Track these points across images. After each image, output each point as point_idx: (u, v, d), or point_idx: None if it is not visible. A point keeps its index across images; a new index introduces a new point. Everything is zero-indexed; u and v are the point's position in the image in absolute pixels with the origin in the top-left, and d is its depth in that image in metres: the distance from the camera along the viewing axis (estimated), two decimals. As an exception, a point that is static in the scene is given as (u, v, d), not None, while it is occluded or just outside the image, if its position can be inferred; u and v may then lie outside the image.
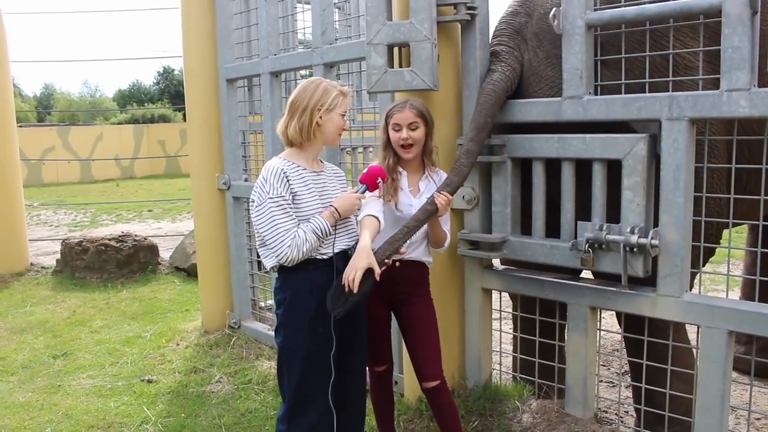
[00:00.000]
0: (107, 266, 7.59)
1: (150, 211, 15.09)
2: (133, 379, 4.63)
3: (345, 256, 2.74)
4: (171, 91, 43.25)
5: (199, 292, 5.65)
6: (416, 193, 3.00)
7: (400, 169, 3.00)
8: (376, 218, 2.77)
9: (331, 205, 2.66)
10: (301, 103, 2.68)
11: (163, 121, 31.45)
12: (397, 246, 2.77)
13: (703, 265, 3.22)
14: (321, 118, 2.68)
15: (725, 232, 3.30)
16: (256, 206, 2.63)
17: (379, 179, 2.75)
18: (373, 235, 2.71)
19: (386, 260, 2.74)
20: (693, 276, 3.06)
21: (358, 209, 2.79)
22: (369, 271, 2.55)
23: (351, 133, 5.00)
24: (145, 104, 40.88)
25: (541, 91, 3.23)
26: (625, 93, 2.96)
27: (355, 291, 2.50)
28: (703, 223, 2.85)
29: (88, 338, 5.60)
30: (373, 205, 2.83)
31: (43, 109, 41.39)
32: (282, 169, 2.63)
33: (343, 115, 2.73)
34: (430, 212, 2.86)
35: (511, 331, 4.37)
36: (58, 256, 7.94)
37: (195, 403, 4.17)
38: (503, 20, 3.44)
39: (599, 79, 3.08)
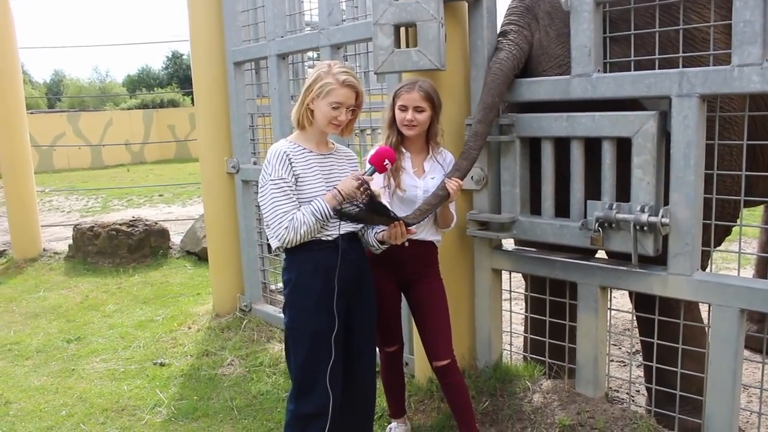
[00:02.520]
0: (119, 251, 7.63)
1: (160, 195, 15.16)
2: (145, 363, 4.67)
3: (351, 237, 2.75)
4: (180, 76, 43.26)
5: (210, 275, 5.67)
6: (421, 174, 2.99)
7: (403, 150, 2.99)
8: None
9: (335, 188, 2.65)
10: (303, 86, 2.70)
11: (172, 106, 31.53)
12: (408, 225, 2.76)
13: (719, 245, 3.19)
14: (312, 103, 2.66)
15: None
16: (260, 188, 2.67)
17: (387, 161, 2.73)
18: None
19: (393, 218, 2.72)
20: (708, 255, 3.04)
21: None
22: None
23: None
24: (155, 89, 40.94)
25: (550, 69, 3.19)
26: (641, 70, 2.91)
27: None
28: (714, 201, 2.81)
29: (101, 322, 5.66)
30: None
31: (53, 96, 41.54)
32: (285, 152, 2.63)
33: (336, 106, 2.63)
34: (442, 197, 2.88)
35: (522, 311, 4.37)
36: (70, 241, 7.99)
37: (207, 386, 4.20)
38: None
39: (608, 57, 3.04)
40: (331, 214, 2.61)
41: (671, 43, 2.92)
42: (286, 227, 2.58)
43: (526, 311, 3.73)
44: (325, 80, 2.62)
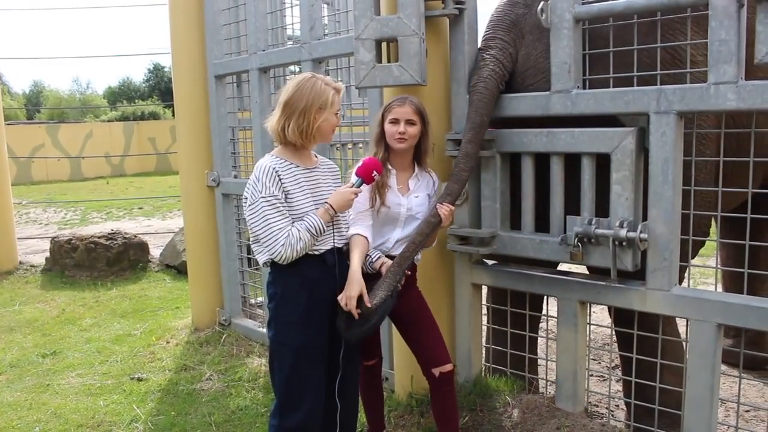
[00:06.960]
0: (97, 264, 7.55)
1: (140, 208, 15.02)
2: (122, 378, 4.60)
3: (338, 252, 2.75)
4: (161, 88, 43.11)
5: (189, 289, 5.63)
6: (405, 192, 2.99)
7: (389, 167, 2.99)
8: (365, 238, 2.82)
9: (327, 202, 2.66)
10: (298, 104, 2.62)
11: (153, 118, 31.37)
12: (406, 266, 2.81)
13: (694, 258, 3.21)
14: (319, 117, 2.64)
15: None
16: (249, 205, 2.63)
17: (375, 172, 2.75)
18: (362, 256, 2.77)
19: (399, 284, 2.81)
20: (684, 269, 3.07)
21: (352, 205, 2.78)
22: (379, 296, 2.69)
23: (341, 129, 4.98)
24: (136, 101, 40.75)
25: (538, 83, 3.16)
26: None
27: (357, 317, 2.63)
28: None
29: (78, 337, 5.57)
30: (362, 221, 2.87)
31: (33, 107, 41.18)
32: (274, 168, 2.61)
33: (337, 112, 2.70)
34: (434, 224, 2.90)
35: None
36: (48, 254, 7.90)
37: (185, 401, 4.15)
38: (501, 10, 3.32)
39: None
40: (325, 229, 2.63)
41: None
42: (283, 244, 2.56)
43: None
44: (329, 91, 2.64)
